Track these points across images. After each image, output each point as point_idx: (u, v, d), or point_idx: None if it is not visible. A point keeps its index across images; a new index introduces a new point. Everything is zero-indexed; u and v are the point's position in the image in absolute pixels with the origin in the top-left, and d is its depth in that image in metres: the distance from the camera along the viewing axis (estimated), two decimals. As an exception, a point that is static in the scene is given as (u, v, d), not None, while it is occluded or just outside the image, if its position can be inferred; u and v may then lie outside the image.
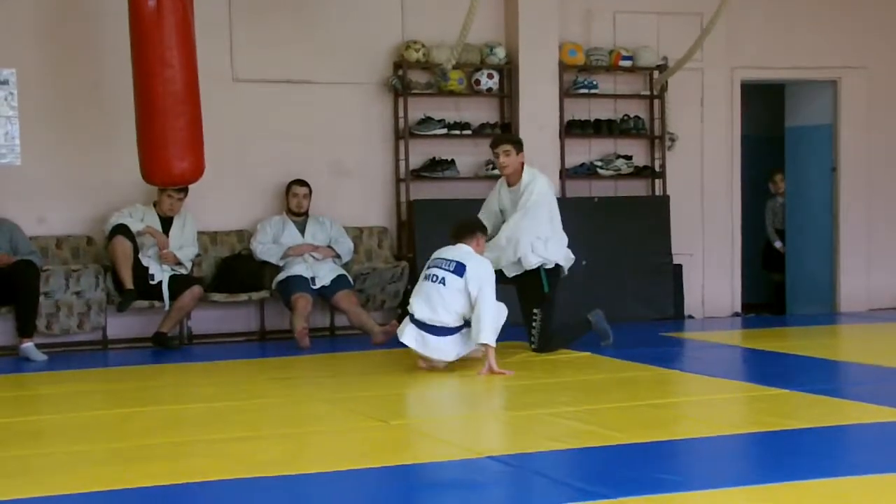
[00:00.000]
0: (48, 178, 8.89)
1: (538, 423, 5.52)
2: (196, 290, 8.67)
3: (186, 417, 5.96)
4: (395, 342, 8.36)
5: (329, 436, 5.47)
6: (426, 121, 9.70)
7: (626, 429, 5.29)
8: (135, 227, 8.63)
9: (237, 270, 9.02)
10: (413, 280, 9.08)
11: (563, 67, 10.00)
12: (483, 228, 7.59)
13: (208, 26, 8.73)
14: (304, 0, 9.48)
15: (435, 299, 7.10)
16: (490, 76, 9.83)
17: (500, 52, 9.87)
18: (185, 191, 8.76)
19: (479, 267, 7.16)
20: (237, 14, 9.33)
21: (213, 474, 4.56)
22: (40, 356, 8.14)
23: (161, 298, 8.66)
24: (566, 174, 10.08)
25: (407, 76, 9.59)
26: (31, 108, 8.83)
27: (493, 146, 7.96)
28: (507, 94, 9.94)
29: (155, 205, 8.84)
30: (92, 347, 8.74)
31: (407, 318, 7.26)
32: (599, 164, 10.23)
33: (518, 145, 7.93)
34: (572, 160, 10.15)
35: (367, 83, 9.67)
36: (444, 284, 7.09)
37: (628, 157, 10.31)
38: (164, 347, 8.61)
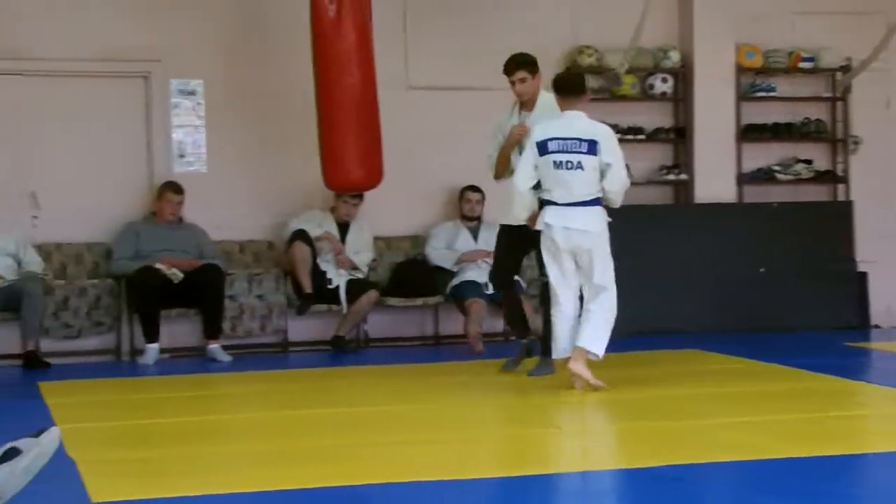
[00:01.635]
0: (231, 185, 9.18)
1: (712, 434, 5.42)
2: (372, 294, 8.82)
3: (359, 420, 6.04)
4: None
5: (497, 442, 5.49)
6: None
7: (805, 441, 5.15)
8: (313, 232, 8.84)
9: (411, 275, 9.15)
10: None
11: (740, 70, 9.80)
12: None
13: (383, 33, 8.85)
14: (477, 7, 9.55)
15: (574, 186, 6.72)
16: (664, 80, 9.71)
17: (675, 56, 9.74)
18: (360, 196, 8.94)
19: (609, 139, 6.82)
20: (412, 21, 9.46)
21: (380, 477, 4.60)
22: (226, 357, 8.41)
23: (338, 302, 8.84)
24: (743, 179, 9.87)
25: (580, 81, 9.53)
26: (216, 117, 9.13)
27: (509, 73, 7.21)
28: (682, 98, 9.81)
29: (332, 210, 9.06)
30: (273, 349, 8.96)
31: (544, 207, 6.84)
32: (778, 168, 9.98)
33: (534, 68, 7.22)
34: (749, 165, 9.94)
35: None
36: (581, 169, 6.71)
37: (808, 162, 10.02)
38: (342, 350, 8.79)
